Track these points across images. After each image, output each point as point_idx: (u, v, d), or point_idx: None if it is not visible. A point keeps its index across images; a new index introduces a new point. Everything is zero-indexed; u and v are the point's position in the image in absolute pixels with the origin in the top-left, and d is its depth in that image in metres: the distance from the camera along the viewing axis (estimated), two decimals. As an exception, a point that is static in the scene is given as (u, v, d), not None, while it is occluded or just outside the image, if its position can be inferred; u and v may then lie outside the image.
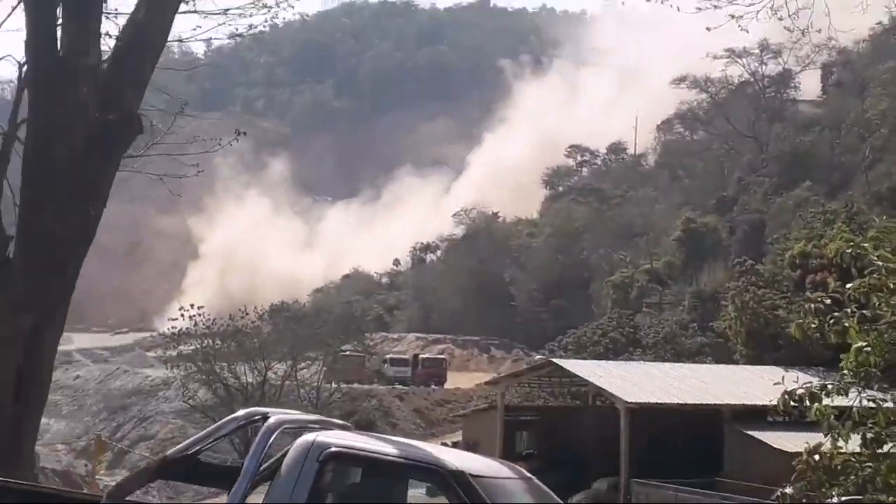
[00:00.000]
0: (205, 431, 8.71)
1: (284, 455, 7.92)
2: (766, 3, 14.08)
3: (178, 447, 8.74)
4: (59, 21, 11.63)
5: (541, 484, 8.58)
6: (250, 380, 55.60)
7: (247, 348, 56.55)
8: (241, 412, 8.76)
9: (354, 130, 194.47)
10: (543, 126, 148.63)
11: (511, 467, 8.72)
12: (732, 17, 14.52)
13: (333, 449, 7.85)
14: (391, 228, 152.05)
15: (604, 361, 59.41)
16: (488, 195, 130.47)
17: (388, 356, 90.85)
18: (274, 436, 7.99)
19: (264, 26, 14.81)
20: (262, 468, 7.94)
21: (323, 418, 9.40)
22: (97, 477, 52.05)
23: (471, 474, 7.68)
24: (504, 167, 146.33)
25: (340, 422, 9.54)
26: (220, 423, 8.81)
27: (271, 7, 12.86)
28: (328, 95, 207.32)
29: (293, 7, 13.75)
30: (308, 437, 7.95)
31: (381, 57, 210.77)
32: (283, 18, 14.96)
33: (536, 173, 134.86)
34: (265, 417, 8.24)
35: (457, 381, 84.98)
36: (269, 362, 56.55)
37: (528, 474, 8.66)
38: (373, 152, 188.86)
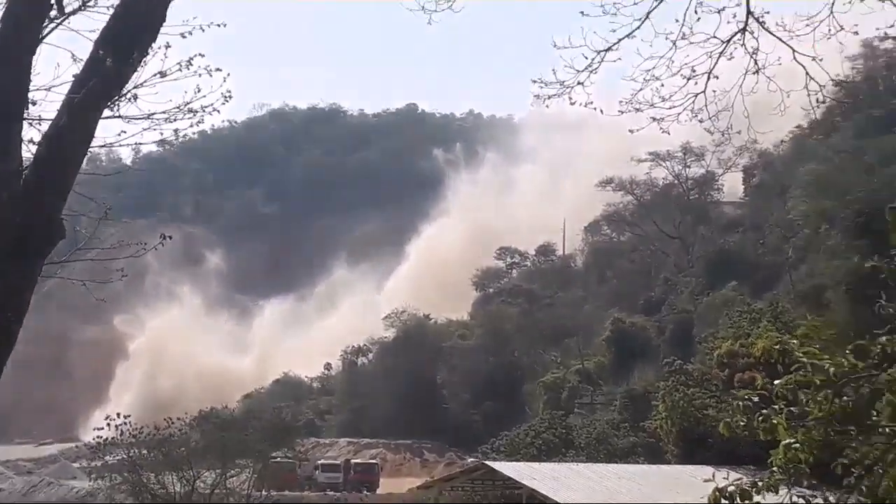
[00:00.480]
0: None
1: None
2: (687, 106, 14.32)
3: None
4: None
5: None
6: (178, 489, 54.72)
7: (174, 457, 55.74)
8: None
9: (286, 232, 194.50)
10: (473, 227, 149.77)
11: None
12: (654, 119, 14.76)
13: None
14: (323, 329, 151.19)
15: (537, 463, 59.30)
16: (420, 295, 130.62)
17: (319, 462, 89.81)
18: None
19: (192, 133, 14.68)
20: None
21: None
22: None
23: None
24: (435, 266, 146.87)
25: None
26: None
27: (196, 111, 12.72)
28: (257, 200, 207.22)
29: (220, 112, 13.64)
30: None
31: (310, 162, 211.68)
32: (212, 125, 15.02)
33: (467, 272, 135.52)
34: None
35: (389, 486, 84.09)
36: (197, 471, 55.71)
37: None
38: (304, 253, 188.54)
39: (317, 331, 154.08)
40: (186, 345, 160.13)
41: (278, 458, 71.01)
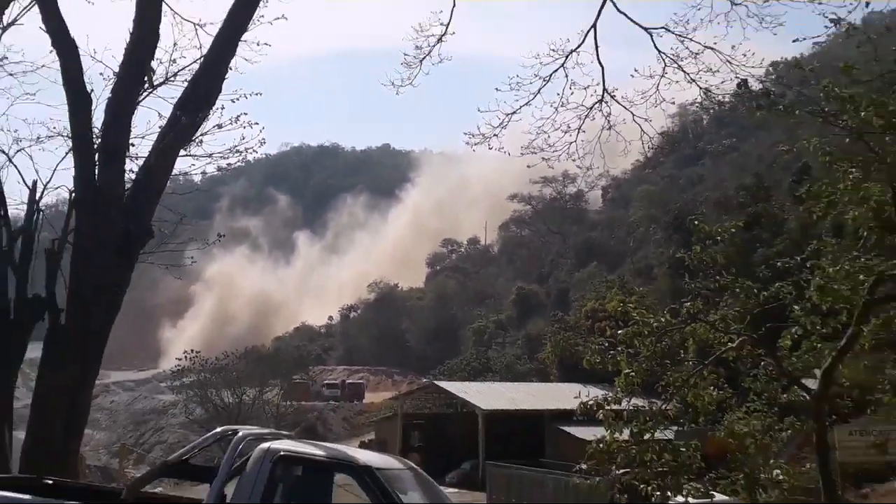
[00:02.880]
0: (193, 443, 8.50)
1: (248, 458, 7.74)
2: (565, 150, 14.43)
3: (174, 454, 8.48)
4: (97, 163, 11.43)
5: (422, 472, 8.51)
6: (230, 401, 54.31)
7: (228, 379, 55.33)
8: (218, 429, 8.57)
9: (308, 225, 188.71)
10: (426, 223, 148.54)
11: (402, 461, 8.63)
12: (543, 159, 14.91)
13: (282, 453, 7.74)
14: (328, 291, 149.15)
15: (468, 382, 59.37)
16: (391, 270, 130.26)
17: (324, 382, 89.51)
18: (241, 445, 7.83)
19: (240, 163, 14.68)
20: (233, 467, 7.75)
21: (275, 431, 9.22)
22: (126, 470, 50.24)
23: (375, 468, 7.58)
24: (401, 251, 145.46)
25: (287, 433, 9.34)
26: (203, 437, 8.59)
27: (241, 152, 12.76)
28: (285, 203, 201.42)
29: (257, 152, 13.66)
30: (264, 446, 7.81)
31: (320, 180, 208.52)
32: (253, 157, 14.87)
33: (423, 255, 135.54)
34: (235, 432, 8.08)
35: (371, 398, 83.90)
36: (243, 389, 55.33)
37: (414, 465, 8.57)
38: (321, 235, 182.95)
39: (323, 292, 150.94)
40: (245, 277, 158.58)
41: (297, 380, 70.77)
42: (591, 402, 11.06)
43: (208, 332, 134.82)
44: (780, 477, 11.21)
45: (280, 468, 7.70)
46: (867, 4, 9.54)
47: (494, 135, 14.08)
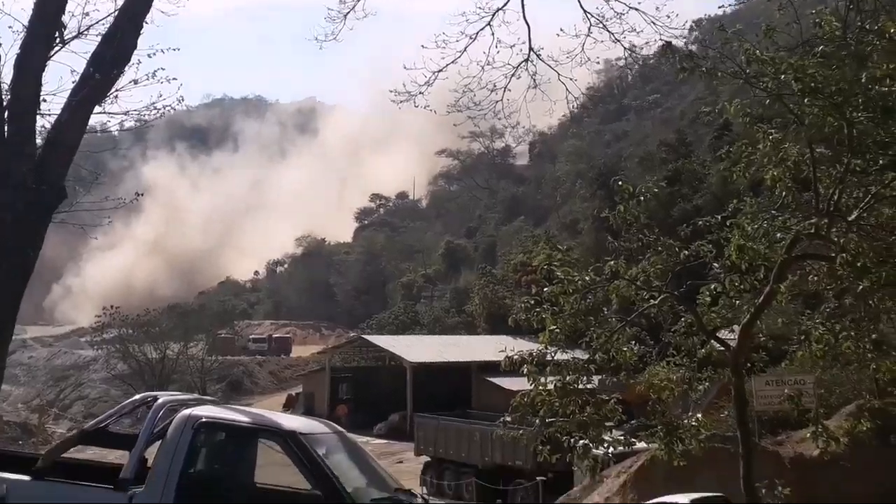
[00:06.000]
0: (112, 410, 8.27)
1: (169, 424, 7.55)
2: (491, 108, 14.36)
3: (92, 422, 8.25)
4: (5, 120, 10.89)
5: (348, 435, 8.47)
6: (154, 356, 53.39)
7: (150, 334, 54.32)
8: (137, 396, 8.37)
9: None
10: (357, 177, 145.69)
11: (327, 424, 8.55)
12: (469, 117, 14.83)
13: (204, 419, 7.56)
14: (253, 249, 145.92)
15: (396, 336, 59.65)
16: (317, 224, 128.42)
17: (251, 336, 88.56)
18: (161, 412, 7.64)
19: (157, 118, 14.15)
20: (154, 433, 7.56)
21: (197, 396, 9.04)
22: (46, 426, 49.17)
23: (299, 433, 7.49)
24: (328, 205, 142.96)
25: (210, 398, 9.18)
26: (122, 403, 8.38)
27: (160, 109, 12.29)
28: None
29: (175, 110, 13.17)
30: (185, 412, 7.62)
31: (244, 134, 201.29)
32: (171, 112, 14.31)
33: (350, 210, 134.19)
34: (155, 399, 7.89)
35: (298, 352, 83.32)
36: (167, 344, 54.38)
37: (339, 428, 8.50)
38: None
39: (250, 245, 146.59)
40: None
41: (223, 335, 69.92)
42: (515, 357, 11.13)
43: (126, 289, 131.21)
44: (698, 426, 11.54)
45: (202, 434, 7.54)
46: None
47: (420, 93, 13.87)
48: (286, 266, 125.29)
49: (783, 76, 9.00)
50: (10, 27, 11.69)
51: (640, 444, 12.86)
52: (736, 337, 10.38)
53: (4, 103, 10.97)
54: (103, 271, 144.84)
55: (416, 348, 48.34)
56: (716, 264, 10.59)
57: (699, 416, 13.70)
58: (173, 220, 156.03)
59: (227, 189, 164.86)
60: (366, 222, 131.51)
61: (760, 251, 9.72)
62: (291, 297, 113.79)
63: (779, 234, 9.79)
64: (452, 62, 13.43)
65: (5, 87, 11.18)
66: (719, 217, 10.35)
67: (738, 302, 10.55)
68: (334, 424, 8.71)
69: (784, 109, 9.54)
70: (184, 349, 55.47)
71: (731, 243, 9.86)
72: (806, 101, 9.06)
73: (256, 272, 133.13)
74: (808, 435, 12.56)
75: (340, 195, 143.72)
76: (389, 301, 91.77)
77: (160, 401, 7.79)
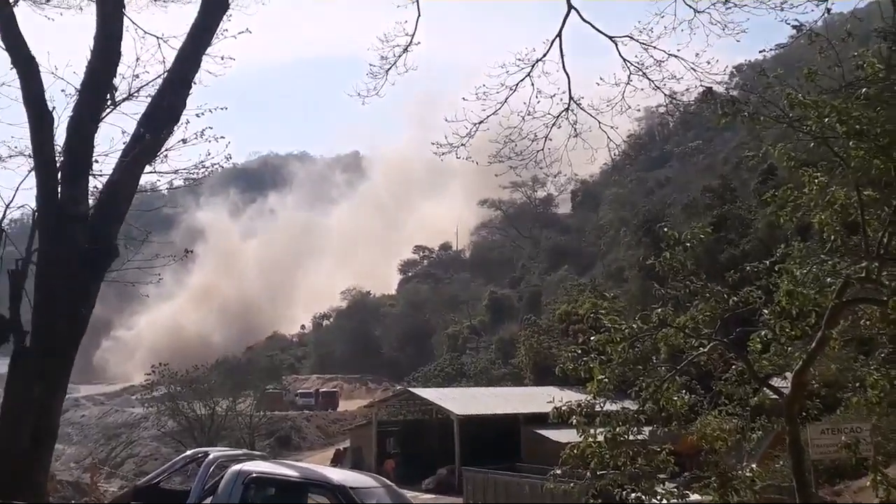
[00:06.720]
0: (164, 466, 8.35)
1: (220, 480, 7.61)
2: (531, 158, 14.44)
3: (145, 479, 8.34)
4: (59, 181, 11.24)
5: (396, 488, 8.44)
6: (202, 413, 53.60)
7: (199, 391, 54.58)
8: (188, 452, 8.45)
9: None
10: (401, 229, 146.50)
11: (376, 478, 8.54)
12: (511, 167, 14.90)
13: (254, 474, 7.65)
14: (300, 300, 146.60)
15: (442, 388, 59.23)
16: (362, 278, 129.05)
17: (298, 391, 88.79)
18: (212, 468, 7.71)
19: (204, 176, 14.46)
20: (206, 489, 7.61)
21: (247, 451, 9.09)
22: (98, 485, 49.47)
23: (349, 486, 7.48)
24: (373, 258, 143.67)
25: (259, 453, 9.22)
26: (174, 460, 8.47)
27: (208, 167, 12.60)
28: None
29: (223, 167, 13.49)
30: (236, 467, 7.71)
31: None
32: (219, 170, 14.61)
33: (395, 260, 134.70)
34: (206, 455, 7.97)
35: (345, 405, 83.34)
36: (215, 400, 54.59)
37: (388, 481, 8.49)
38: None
39: (296, 300, 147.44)
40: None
41: (270, 389, 70.08)
42: (564, 408, 11.02)
43: (177, 337, 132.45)
44: (752, 476, 11.27)
45: (253, 489, 7.58)
46: (828, 11, 9.65)
47: (462, 144, 14.01)
48: (332, 319, 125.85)
49: (827, 119, 8.95)
50: (62, 90, 12.14)
51: (694, 497, 12.57)
52: (788, 384, 10.17)
53: (58, 164, 11.34)
54: (154, 320, 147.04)
55: (463, 401, 47.88)
56: (765, 310, 10.43)
57: (754, 466, 13.36)
58: (225, 266, 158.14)
59: (278, 236, 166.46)
60: (409, 274, 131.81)
61: (811, 296, 9.57)
62: (337, 350, 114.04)
63: (829, 279, 9.65)
64: (493, 113, 13.58)
65: (59, 149, 11.57)
66: (767, 262, 10.23)
67: (789, 349, 10.37)
68: (382, 478, 8.68)
69: (829, 153, 9.47)
70: (232, 405, 55.65)
71: (781, 289, 9.72)
72: (851, 143, 8.98)
73: (303, 326, 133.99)
74: (868, 483, 12.18)
75: (384, 246, 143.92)
76: (434, 353, 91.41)
77: (211, 457, 7.87)
